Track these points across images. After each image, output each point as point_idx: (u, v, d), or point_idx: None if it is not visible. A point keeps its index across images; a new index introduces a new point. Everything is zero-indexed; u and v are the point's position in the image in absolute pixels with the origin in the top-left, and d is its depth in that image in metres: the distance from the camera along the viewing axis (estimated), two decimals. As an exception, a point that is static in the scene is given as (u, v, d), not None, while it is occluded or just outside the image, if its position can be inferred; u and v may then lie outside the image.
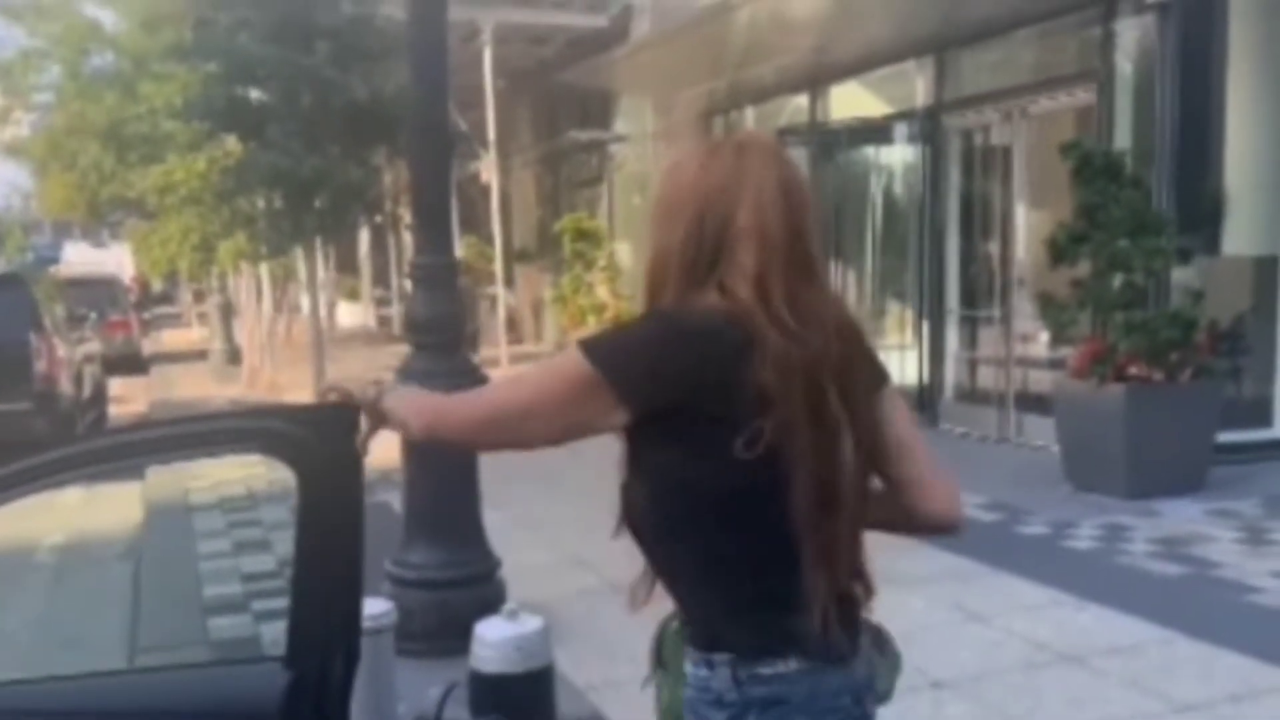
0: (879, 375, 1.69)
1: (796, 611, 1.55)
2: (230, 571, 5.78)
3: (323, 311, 30.61)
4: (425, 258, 4.46)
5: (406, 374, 4.45)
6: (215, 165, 8.24)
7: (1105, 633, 4.49)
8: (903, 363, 10.15)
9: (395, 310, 20.58)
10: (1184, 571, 5.26)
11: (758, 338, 1.50)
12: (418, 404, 1.74)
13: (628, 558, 3.34)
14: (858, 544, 1.64)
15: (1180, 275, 7.49)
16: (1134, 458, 6.61)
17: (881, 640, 1.73)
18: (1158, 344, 6.58)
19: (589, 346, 1.56)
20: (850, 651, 1.61)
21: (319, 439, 1.75)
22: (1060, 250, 6.98)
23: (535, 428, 1.62)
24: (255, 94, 7.89)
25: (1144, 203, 6.97)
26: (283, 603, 5.39)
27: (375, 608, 2.77)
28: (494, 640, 2.51)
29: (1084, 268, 6.99)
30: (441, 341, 4.44)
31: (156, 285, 35.59)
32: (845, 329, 1.60)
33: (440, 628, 4.42)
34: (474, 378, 4.52)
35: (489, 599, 4.54)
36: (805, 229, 1.58)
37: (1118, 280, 6.83)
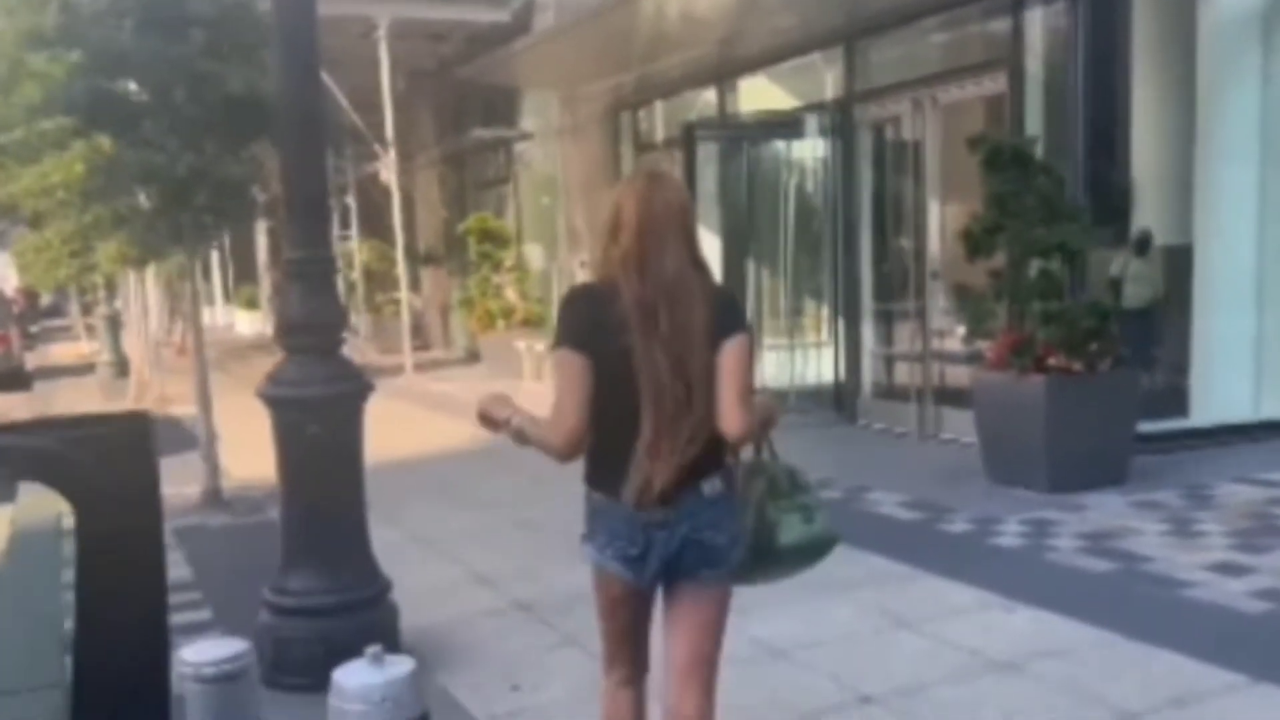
0: (728, 325, 2.42)
1: (612, 461, 2.43)
2: (97, 603, 5.27)
3: (220, 319, 29.47)
4: (300, 252, 4.04)
5: (279, 381, 4.02)
6: (91, 165, 7.64)
7: (1039, 636, 4.25)
8: (819, 360, 9.96)
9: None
10: (1114, 567, 5.06)
11: (621, 290, 2.41)
12: (544, 429, 2.41)
13: (531, 575, 4.17)
14: (684, 428, 2.38)
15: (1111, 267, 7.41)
16: (1055, 450, 6.43)
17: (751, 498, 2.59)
18: (1075, 333, 6.43)
19: (554, 338, 2.46)
20: (649, 499, 2.41)
21: (100, 460, 1.37)
22: (975, 242, 6.80)
23: (585, 401, 2.39)
24: (131, 86, 7.34)
25: (1056, 189, 6.83)
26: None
27: (229, 648, 2.37)
28: (354, 689, 2.13)
29: (999, 259, 6.83)
30: (318, 343, 4.02)
31: (47, 297, 34.13)
32: (681, 289, 2.40)
33: (324, 659, 3.91)
34: (356, 382, 4.11)
35: (378, 625, 4.14)
36: (656, 226, 2.42)
37: (1034, 269, 6.67)
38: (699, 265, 2.47)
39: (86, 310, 22.77)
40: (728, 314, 2.44)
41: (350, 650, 4.03)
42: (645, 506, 2.41)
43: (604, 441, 2.44)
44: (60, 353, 22.97)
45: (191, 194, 7.03)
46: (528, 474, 7.08)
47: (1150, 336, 8.26)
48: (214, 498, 7.28)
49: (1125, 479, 6.51)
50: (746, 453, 2.64)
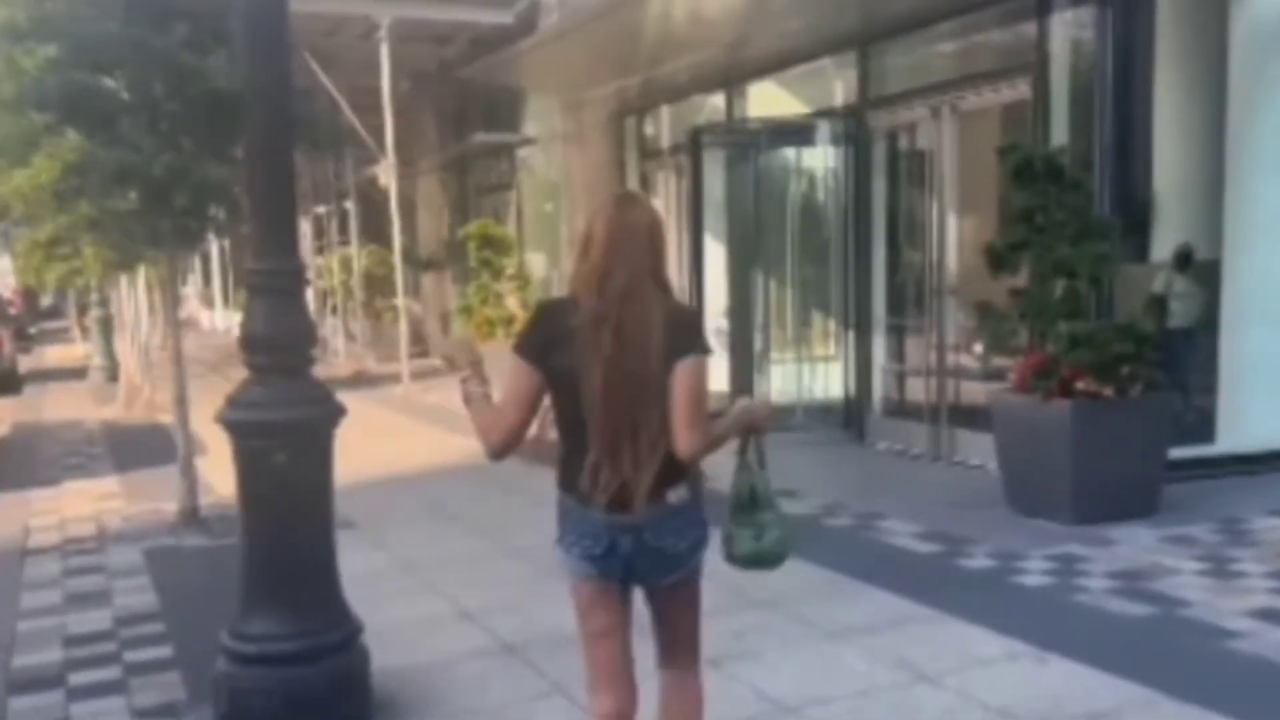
0: (683, 345, 2.48)
1: (576, 467, 2.52)
2: (52, 633, 4.90)
3: (220, 323, 29.09)
4: (265, 263, 3.67)
5: (240, 404, 3.65)
6: (65, 165, 7.27)
7: (1075, 694, 3.86)
8: (828, 374, 9.58)
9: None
10: (1151, 612, 4.66)
11: (578, 302, 2.51)
12: (488, 419, 2.56)
13: (519, 610, 4.04)
14: (637, 439, 2.46)
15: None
16: (1081, 480, 6.05)
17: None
18: (1106, 358, 6.04)
19: (514, 342, 2.60)
20: (610, 505, 2.49)
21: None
22: (999, 257, 6.43)
23: (524, 410, 2.53)
24: (107, 82, 7.00)
25: (1087, 206, 6.46)
26: (111, 673, 4.44)
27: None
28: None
29: (1021, 275, 6.45)
30: (285, 364, 3.65)
31: (47, 298, 33.76)
32: (633, 304, 2.46)
33: (287, 711, 3.64)
34: (327, 406, 3.74)
35: (347, 674, 3.77)
36: (622, 244, 2.50)
37: (1060, 288, 6.29)
38: (662, 285, 2.54)
39: (82, 311, 22.45)
40: (684, 334, 2.50)
41: (317, 700, 3.69)
42: (612, 510, 2.49)
43: (570, 448, 2.55)
44: (56, 355, 22.66)
45: (170, 196, 6.66)
46: (523, 496, 6.72)
47: (1196, 357, 7.84)
48: (191, 516, 6.90)
49: (1155, 510, 6.13)
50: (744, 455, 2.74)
